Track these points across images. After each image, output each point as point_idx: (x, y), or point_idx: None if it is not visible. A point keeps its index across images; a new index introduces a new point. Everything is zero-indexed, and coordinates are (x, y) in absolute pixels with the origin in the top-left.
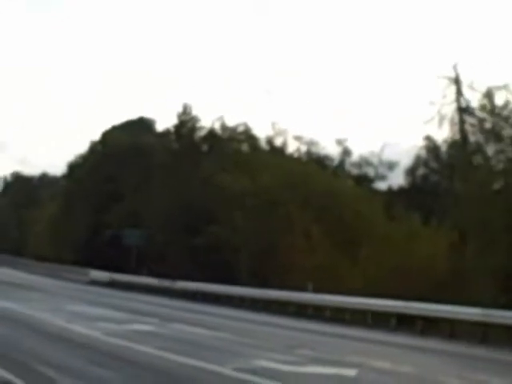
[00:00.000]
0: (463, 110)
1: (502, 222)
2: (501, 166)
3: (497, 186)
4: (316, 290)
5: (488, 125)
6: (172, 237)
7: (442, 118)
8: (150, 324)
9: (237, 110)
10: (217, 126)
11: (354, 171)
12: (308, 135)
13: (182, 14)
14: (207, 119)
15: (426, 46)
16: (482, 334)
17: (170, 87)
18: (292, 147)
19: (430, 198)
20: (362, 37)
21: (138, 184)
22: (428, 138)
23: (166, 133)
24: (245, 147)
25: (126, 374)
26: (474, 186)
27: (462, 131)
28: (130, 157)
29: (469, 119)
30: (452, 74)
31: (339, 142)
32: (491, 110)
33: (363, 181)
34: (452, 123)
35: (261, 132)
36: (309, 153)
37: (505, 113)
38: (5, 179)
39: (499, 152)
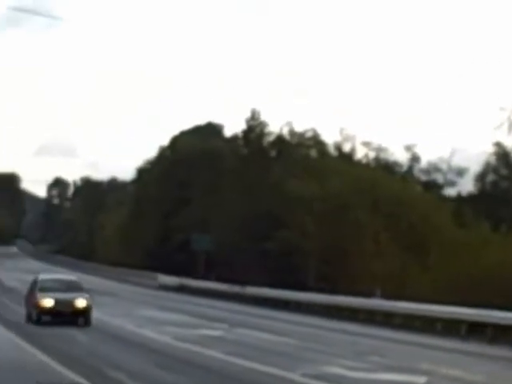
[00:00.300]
0: None
1: None
2: None
3: None
4: (384, 296)
5: None
6: (241, 242)
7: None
8: (219, 329)
9: (305, 115)
10: (285, 132)
11: (423, 177)
12: (376, 141)
13: (246, 18)
14: (275, 124)
15: (497, 50)
16: None
17: (239, 92)
18: (360, 153)
19: (499, 205)
20: (431, 42)
21: (207, 189)
22: (498, 144)
23: (235, 138)
24: (313, 153)
25: (196, 379)
26: None
27: None
28: (199, 162)
29: None
30: None
31: (408, 148)
32: None
33: (432, 187)
34: None
35: (329, 138)
36: (377, 159)
37: None
38: (74, 184)
39: None
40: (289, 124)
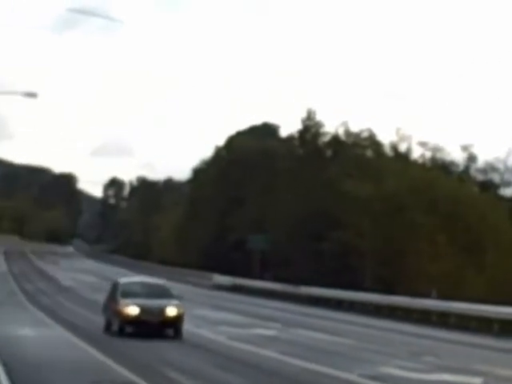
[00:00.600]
0: None
1: None
2: None
3: None
4: (440, 297)
5: None
6: (296, 241)
7: None
8: (273, 329)
9: (361, 115)
10: (341, 132)
11: (480, 177)
12: (433, 141)
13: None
14: (331, 124)
15: None
16: None
17: (295, 92)
18: (416, 153)
19: None
20: (490, 42)
21: (263, 189)
22: None
23: (290, 138)
24: (369, 153)
25: (252, 379)
26: None
27: None
28: (254, 162)
29: None
30: None
31: (464, 148)
32: None
33: (488, 187)
34: None
35: (385, 138)
36: (433, 159)
37: None
38: (130, 184)
39: None
40: (344, 124)
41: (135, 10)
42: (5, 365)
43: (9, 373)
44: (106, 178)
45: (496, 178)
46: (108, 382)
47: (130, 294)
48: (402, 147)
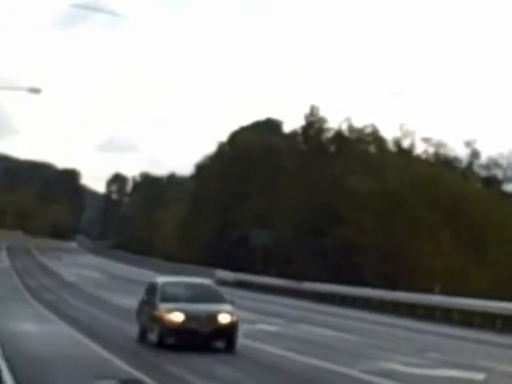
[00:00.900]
0: None
1: None
2: None
3: None
4: (443, 293)
5: None
6: (299, 237)
7: None
8: (276, 324)
9: (364, 110)
10: (344, 128)
11: (483, 173)
12: (436, 137)
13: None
14: (334, 120)
15: None
16: None
17: (298, 88)
18: (420, 149)
19: None
20: (492, 38)
21: (266, 185)
22: None
23: (294, 134)
24: (372, 149)
25: (255, 374)
26: None
27: None
28: (258, 158)
29: None
30: None
31: (468, 144)
32: None
33: (492, 183)
34: None
35: (388, 133)
36: (437, 154)
37: None
38: (134, 180)
39: None
40: (348, 120)
41: (137, 9)
42: (8, 360)
43: (12, 368)
44: (109, 173)
45: (499, 173)
46: (111, 378)
47: (171, 296)
48: (406, 143)
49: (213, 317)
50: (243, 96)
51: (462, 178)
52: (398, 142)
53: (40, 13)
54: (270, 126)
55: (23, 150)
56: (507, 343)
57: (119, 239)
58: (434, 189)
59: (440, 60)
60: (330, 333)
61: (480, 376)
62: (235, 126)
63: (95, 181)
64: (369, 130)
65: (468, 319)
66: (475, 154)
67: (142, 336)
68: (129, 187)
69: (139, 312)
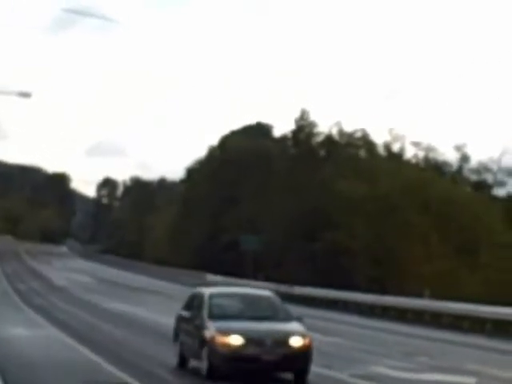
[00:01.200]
0: None
1: None
2: None
3: None
4: (433, 297)
5: None
6: (289, 242)
7: None
8: None
9: (354, 115)
10: (334, 132)
11: (473, 177)
12: (426, 141)
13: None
14: (324, 124)
15: None
16: None
17: (288, 92)
18: (410, 153)
19: None
20: (482, 42)
21: (256, 189)
22: None
23: (284, 138)
24: (362, 153)
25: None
26: None
27: None
28: (248, 162)
29: None
30: None
31: (458, 148)
32: None
33: (482, 187)
34: None
35: (378, 138)
36: (427, 159)
37: None
38: (124, 184)
39: None
40: (338, 124)
41: (132, 9)
42: None
43: (2, 373)
44: (99, 177)
45: (489, 178)
46: (101, 382)
47: (223, 313)
48: (395, 147)
49: (282, 340)
50: (234, 100)
51: (452, 182)
52: (387, 147)
53: (31, 17)
54: (260, 130)
55: (13, 154)
56: (497, 347)
57: (109, 243)
58: (424, 193)
59: (430, 64)
60: (319, 337)
61: (469, 380)
62: (226, 130)
63: (85, 185)
64: (359, 134)
65: (458, 323)
66: (465, 159)
67: (182, 363)
68: (119, 191)
69: (177, 331)
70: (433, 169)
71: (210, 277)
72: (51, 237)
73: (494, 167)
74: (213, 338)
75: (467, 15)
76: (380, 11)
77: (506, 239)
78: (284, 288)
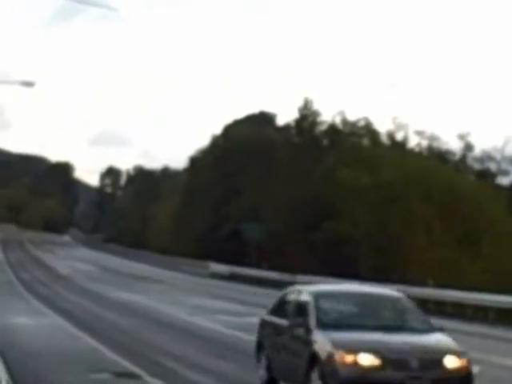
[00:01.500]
0: None
1: None
2: None
3: None
4: (437, 285)
5: None
6: (292, 231)
7: None
8: None
9: (358, 104)
10: (337, 121)
11: (476, 166)
12: (429, 130)
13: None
14: (328, 113)
15: None
16: None
17: (292, 81)
18: (413, 142)
19: None
20: (486, 32)
21: (259, 178)
22: None
23: (287, 127)
24: (365, 142)
25: (248, 367)
26: None
27: None
28: (251, 151)
29: None
30: None
31: (461, 137)
32: None
33: (485, 176)
34: None
35: (382, 126)
36: (430, 148)
37: None
38: (127, 173)
39: None
40: (341, 113)
41: (133, 4)
42: (2, 354)
43: (6, 362)
44: (102, 167)
45: (493, 167)
46: (105, 371)
47: (339, 321)
48: (399, 136)
49: (433, 360)
50: (237, 89)
51: (456, 171)
52: (391, 136)
53: (34, 7)
54: (263, 119)
55: (16, 143)
56: (500, 335)
57: (112, 232)
58: (428, 182)
59: (433, 53)
60: None
61: (473, 369)
62: (229, 119)
63: (88, 174)
64: (362, 123)
65: (461, 312)
66: (469, 147)
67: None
68: (122, 180)
69: (261, 344)
70: (436, 158)
71: (214, 265)
72: (54, 226)
73: (498, 156)
74: (331, 357)
75: (471, 5)
76: (383, 1)
77: (509, 228)
78: (287, 277)
